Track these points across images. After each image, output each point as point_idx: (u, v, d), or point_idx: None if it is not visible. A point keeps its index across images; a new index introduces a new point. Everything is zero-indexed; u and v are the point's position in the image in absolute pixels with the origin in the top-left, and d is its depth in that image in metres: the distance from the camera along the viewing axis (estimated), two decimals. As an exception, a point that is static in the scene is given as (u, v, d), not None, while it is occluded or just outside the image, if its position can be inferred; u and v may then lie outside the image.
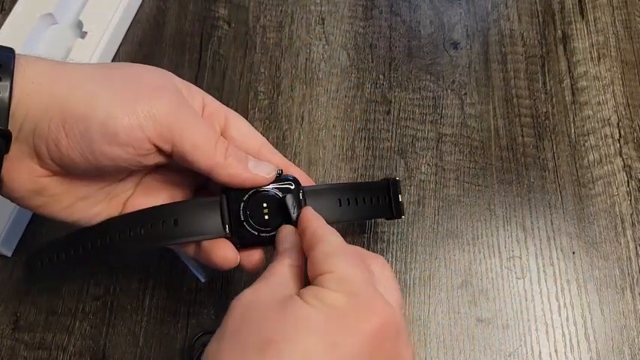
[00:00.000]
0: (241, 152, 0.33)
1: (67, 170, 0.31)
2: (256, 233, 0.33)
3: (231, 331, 0.26)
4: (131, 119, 0.29)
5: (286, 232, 0.32)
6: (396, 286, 0.30)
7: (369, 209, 0.37)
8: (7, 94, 0.28)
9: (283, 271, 0.29)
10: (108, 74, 0.30)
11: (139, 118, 0.29)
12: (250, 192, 0.33)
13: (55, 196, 0.32)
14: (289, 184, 0.34)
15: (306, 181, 0.35)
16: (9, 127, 0.28)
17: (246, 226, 0.33)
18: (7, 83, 0.28)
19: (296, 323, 0.26)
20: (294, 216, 0.33)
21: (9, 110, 0.28)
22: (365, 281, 0.28)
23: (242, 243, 0.33)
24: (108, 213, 0.33)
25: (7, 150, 0.28)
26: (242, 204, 0.33)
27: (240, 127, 0.34)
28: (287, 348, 0.25)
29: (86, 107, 0.28)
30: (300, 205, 0.33)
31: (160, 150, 0.30)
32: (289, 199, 0.33)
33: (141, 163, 0.31)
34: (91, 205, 0.33)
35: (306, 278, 0.29)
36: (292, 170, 0.35)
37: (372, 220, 0.44)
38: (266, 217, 0.33)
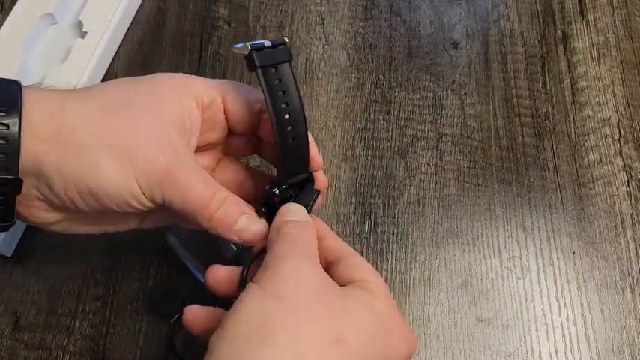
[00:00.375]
0: (234, 213, 0.32)
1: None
2: None
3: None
4: (134, 189, 0.30)
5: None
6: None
7: None
8: (16, 145, 0.28)
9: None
10: (109, 127, 0.30)
11: (141, 187, 0.30)
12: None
13: (73, 220, 0.33)
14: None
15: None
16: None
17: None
18: (15, 134, 0.28)
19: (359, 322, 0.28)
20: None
21: (18, 162, 0.28)
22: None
23: None
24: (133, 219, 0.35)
25: (19, 192, 0.29)
26: None
27: (235, 98, 0.34)
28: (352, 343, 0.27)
29: (93, 180, 0.30)
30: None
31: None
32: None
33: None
34: (112, 217, 0.34)
35: None
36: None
37: (372, 220, 0.44)
38: None
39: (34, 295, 0.42)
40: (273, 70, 0.31)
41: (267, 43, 0.32)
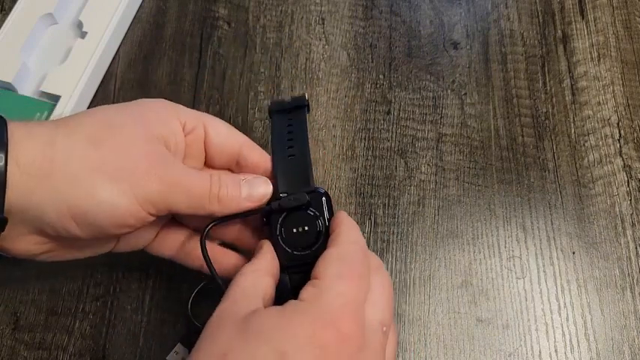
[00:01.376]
0: (234, 183, 0.33)
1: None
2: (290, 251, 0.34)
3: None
4: (133, 206, 0.30)
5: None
6: (388, 307, 0.31)
7: None
8: (1, 182, 0.28)
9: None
10: (100, 155, 0.30)
11: (140, 202, 0.31)
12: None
13: (60, 249, 0.33)
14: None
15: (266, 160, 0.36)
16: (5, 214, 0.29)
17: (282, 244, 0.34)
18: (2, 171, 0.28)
19: (247, 333, 0.27)
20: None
21: (4, 200, 0.29)
22: (338, 294, 0.28)
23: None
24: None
25: (2, 230, 0.29)
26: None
27: (219, 131, 0.36)
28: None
29: (90, 204, 0.30)
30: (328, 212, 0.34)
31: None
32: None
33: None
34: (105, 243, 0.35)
35: None
36: (255, 153, 0.36)
37: (372, 220, 0.44)
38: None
39: (34, 295, 0.42)
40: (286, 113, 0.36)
41: (287, 99, 0.38)
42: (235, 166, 0.36)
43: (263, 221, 0.35)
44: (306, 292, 0.29)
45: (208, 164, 0.36)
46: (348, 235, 0.32)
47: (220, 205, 0.32)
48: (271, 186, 0.35)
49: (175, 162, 0.33)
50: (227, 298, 0.30)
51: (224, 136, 0.35)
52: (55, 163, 0.29)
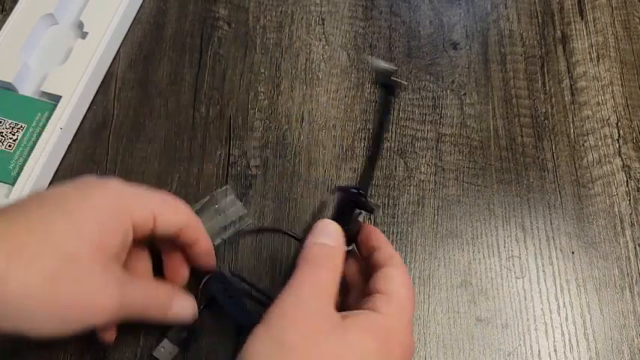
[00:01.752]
0: (166, 295, 0.37)
1: None
2: None
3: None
4: (92, 326, 0.32)
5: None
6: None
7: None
8: None
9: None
10: (55, 293, 0.30)
11: (99, 324, 0.33)
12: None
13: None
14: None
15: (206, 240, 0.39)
16: None
17: None
18: None
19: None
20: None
21: None
22: (409, 314, 0.34)
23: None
24: None
25: None
26: None
27: (166, 217, 0.36)
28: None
29: (37, 333, 0.30)
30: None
31: None
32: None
33: None
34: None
35: None
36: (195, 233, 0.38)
37: (372, 220, 0.44)
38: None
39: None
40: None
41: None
42: (175, 239, 0.37)
43: (346, 203, 0.37)
44: (384, 306, 0.32)
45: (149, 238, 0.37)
46: (399, 258, 0.36)
47: (168, 319, 0.36)
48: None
49: (128, 282, 0.34)
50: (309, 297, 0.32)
51: (171, 222, 0.36)
52: (7, 300, 0.29)
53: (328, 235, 0.34)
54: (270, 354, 0.29)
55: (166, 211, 0.35)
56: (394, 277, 0.34)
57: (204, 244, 0.38)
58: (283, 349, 0.29)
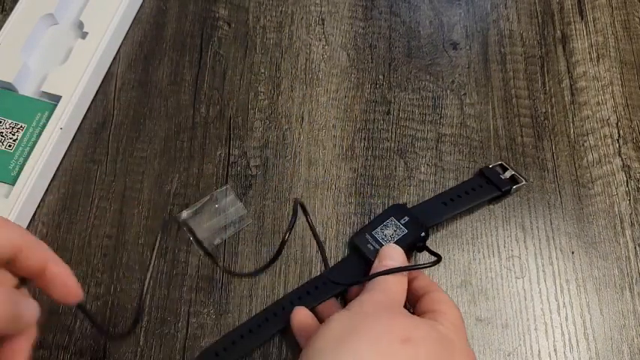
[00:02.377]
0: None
1: None
2: None
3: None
4: None
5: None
6: None
7: (473, 197, 0.44)
8: None
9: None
10: None
11: None
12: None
13: None
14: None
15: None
16: None
17: None
18: None
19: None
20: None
21: None
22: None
23: None
24: None
25: None
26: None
27: (29, 256, 0.30)
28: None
29: None
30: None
31: None
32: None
33: None
34: None
35: None
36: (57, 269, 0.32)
37: (372, 220, 0.44)
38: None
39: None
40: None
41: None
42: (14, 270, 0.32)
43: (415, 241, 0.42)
44: (442, 321, 0.35)
45: None
46: (438, 285, 0.40)
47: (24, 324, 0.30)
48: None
49: None
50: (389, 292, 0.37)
51: (32, 260, 0.31)
52: None
53: (393, 258, 0.39)
54: (350, 322, 0.33)
55: (33, 249, 0.30)
56: (443, 300, 0.37)
57: (55, 270, 0.31)
58: (361, 316, 0.34)
